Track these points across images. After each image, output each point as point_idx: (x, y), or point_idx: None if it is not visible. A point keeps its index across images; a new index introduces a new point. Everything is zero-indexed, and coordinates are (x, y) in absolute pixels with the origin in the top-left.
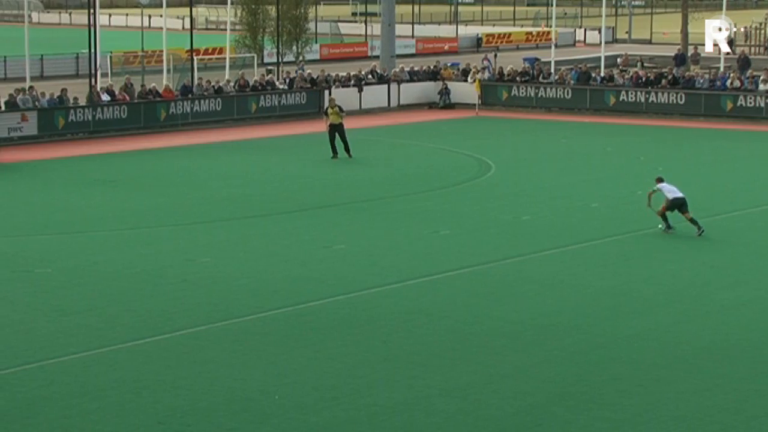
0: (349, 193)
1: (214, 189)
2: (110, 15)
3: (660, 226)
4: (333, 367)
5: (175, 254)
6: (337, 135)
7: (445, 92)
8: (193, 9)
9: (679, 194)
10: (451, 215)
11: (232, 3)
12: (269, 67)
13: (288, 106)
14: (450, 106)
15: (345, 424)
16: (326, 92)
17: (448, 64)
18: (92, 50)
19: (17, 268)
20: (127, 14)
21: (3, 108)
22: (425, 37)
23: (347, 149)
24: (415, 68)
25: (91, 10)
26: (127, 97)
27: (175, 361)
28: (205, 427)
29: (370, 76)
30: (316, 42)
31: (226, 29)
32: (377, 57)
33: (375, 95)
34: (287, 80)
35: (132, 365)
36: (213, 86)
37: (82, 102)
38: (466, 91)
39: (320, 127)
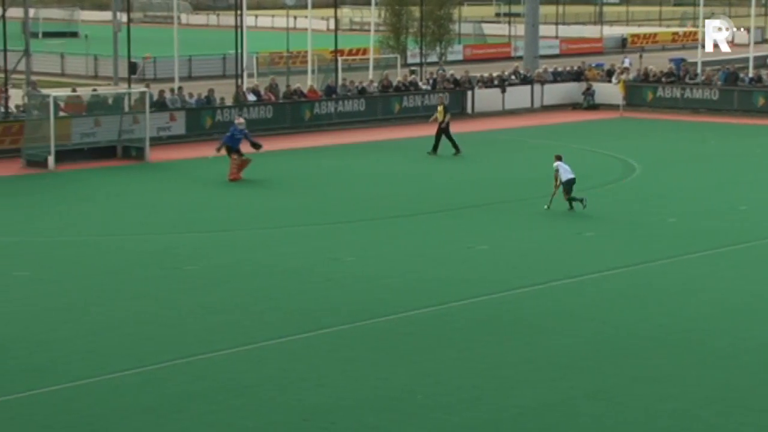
0: (492, 194)
1: (358, 189)
2: (256, 16)
3: (546, 207)
4: (476, 367)
5: (320, 253)
6: (442, 133)
7: (589, 93)
8: (338, 10)
9: (572, 175)
10: (596, 217)
11: (376, 4)
12: (412, 68)
13: (431, 107)
14: (594, 106)
15: (487, 425)
16: (469, 93)
17: (593, 65)
18: (239, 51)
19: (166, 265)
20: (273, 15)
21: (153, 108)
22: (569, 38)
23: (455, 146)
24: (559, 69)
25: (238, 12)
26: (273, 98)
27: (320, 359)
28: (349, 424)
29: (513, 77)
30: (459, 42)
31: (370, 30)
32: (520, 57)
33: (518, 96)
34: (430, 81)
35: (277, 362)
36: (357, 87)
37: (229, 102)
38: (610, 91)
39: (463, 127)
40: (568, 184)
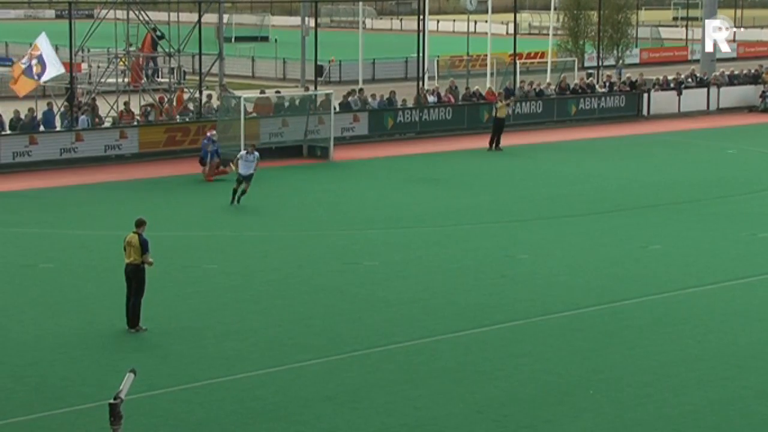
0: (666, 195)
1: (533, 188)
2: (438, 21)
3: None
4: (647, 364)
5: (495, 251)
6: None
7: (766, 96)
8: (517, 15)
9: (251, 171)
10: None
11: (555, 9)
12: (589, 71)
13: (607, 109)
14: None
15: (658, 421)
16: (644, 95)
17: None
18: (421, 54)
19: (347, 260)
20: (454, 20)
21: (337, 109)
22: (747, 41)
23: (495, 143)
24: (736, 72)
25: (421, 17)
26: (452, 99)
27: (494, 353)
28: (522, 417)
29: (689, 80)
30: (636, 46)
31: (548, 34)
32: (697, 61)
33: (694, 98)
34: (607, 83)
35: (452, 355)
36: (534, 89)
37: (410, 104)
38: None
39: (638, 129)
40: (241, 177)
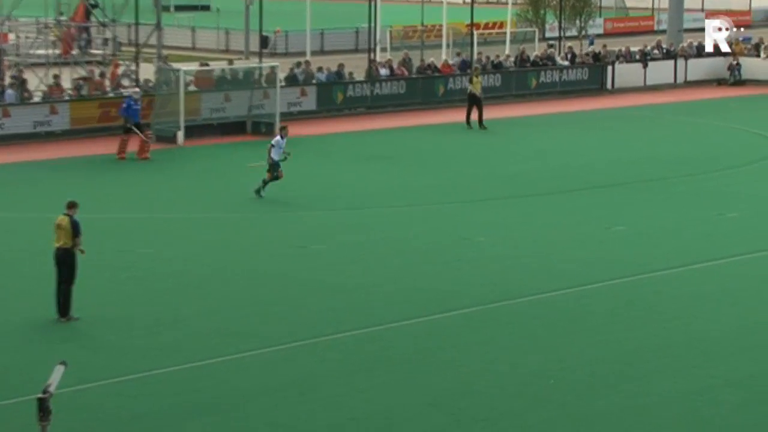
0: (631, 172)
1: (492, 166)
2: None
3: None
4: (611, 353)
5: (451, 233)
6: (474, 106)
7: (735, 68)
8: None
9: (279, 158)
10: (740, 197)
11: None
12: (551, 42)
13: (569, 82)
14: (740, 82)
15: (622, 412)
16: (608, 68)
17: (740, 39)
18: (372, 24)
19: (293, 243)
20: None
21: (283, 83)
22: (716, 11)
23: (481, 121)
24: (704, 43)
25: None
26: (406, 72)
27: (449, 341)
28: (479, 410)
29: (655, 51)
30: (600, 16)
31: (507, 3)
32: (664, 31)
33: (661, 71)
34: (569, 55)
35: (404, 344)
36: (492, 61)
37: (360, 77)
38: (758, 66)
39: (602, 103)
40: (276, 165)
